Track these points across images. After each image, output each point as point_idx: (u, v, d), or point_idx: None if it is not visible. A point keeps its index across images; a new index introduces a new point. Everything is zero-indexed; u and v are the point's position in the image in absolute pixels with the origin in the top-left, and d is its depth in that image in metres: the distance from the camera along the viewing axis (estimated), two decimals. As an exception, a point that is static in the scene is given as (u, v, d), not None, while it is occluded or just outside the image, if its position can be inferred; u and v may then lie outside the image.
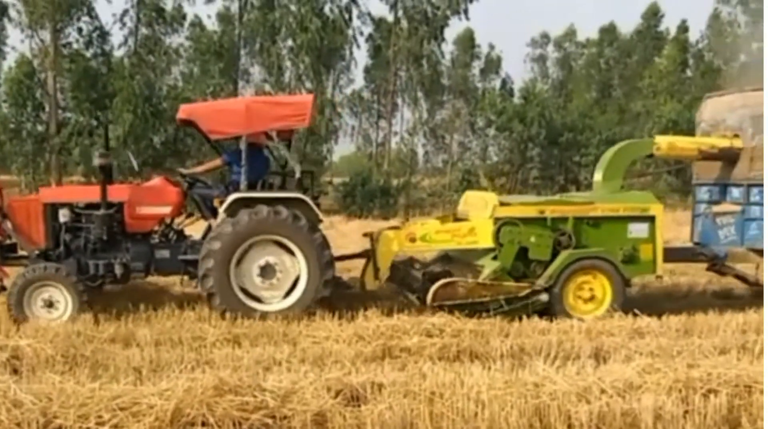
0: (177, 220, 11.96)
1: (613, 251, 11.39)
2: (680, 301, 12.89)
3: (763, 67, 13.32)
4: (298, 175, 11.58)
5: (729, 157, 12.62)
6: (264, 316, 10.66)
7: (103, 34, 41.15)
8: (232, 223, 10.89)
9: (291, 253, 11.07)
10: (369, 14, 44.89)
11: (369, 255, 11.82)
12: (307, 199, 11.16)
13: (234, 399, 6.56)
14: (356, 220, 30.66)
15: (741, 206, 12.39)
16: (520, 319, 10.67)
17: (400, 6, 44.91)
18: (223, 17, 45.49)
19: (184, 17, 44.25)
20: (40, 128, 40.97)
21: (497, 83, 55.09)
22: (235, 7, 44.02)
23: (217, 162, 12.08)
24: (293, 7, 40.31)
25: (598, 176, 12.54)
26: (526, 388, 7.00)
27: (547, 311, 11.05)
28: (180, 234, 11.90)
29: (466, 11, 44.92)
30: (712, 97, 13.89)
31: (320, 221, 11.38)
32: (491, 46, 57.34)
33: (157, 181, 12.17)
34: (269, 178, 12.07)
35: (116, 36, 42.42)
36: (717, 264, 12.71)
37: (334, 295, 11.32)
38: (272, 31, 41.07)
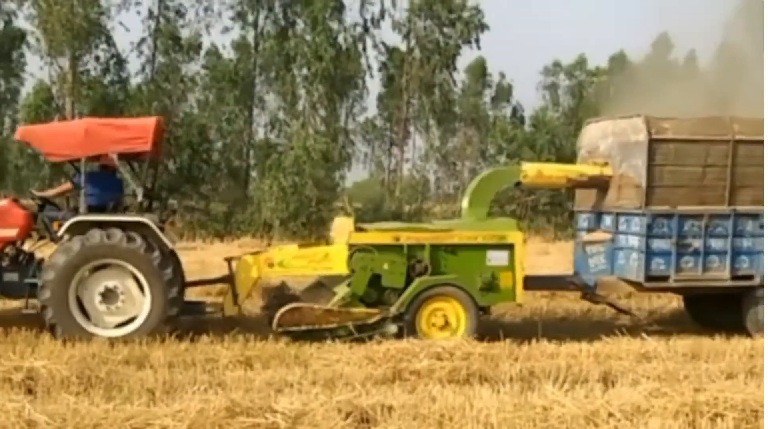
0: (33, 244, 11.79)
1: (472, 279, 11.31)
2: (687, 325, 12.90)
3: (763, 69, 13.13)
4: (140, 198, 11.33)
5: (600, 185, 12.48)
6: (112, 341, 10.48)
7: (120, 62, 41.56)
8: (65, 250, 10.77)
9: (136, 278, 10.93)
10: (383, 43, 45.25)
11: (229, 280, 11.73)
12: (150, 222, 10.99)
13: (246, 420, 6.65)
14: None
15: (611, 235, 12.23)
16: (529, 342, 10.72)
17: (413, 36, 45.25)
18: (239, 46, 45.89)
19: (200, 46, 44.66)
20: (57, 154, 41.27)
21: (508, 111, 55.28)
22: (250, 36, 44.42)
23: (67, 185, 11.91)
24: (308, 37, 40.65)
25: (464, 203, 12.43)
26: (535, 412, 7.06)
27: (400, 337, 10.87)
28: (31, 257, 11.72)
29: (477, 40, 45.24)
30: (591, 122, 13.79)
31: (166, 245, 11.07)
32: (502, 75, 57.48)
33: (4, 202, 11.76)
34: (124, 200, 11.88)
35: (133, 63, 43.01)
36: (588, 293, 12.53)
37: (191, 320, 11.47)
38: (287, 59, 41.38)
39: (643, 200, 11.52)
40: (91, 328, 10.82)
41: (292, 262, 11.66)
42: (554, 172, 12.90)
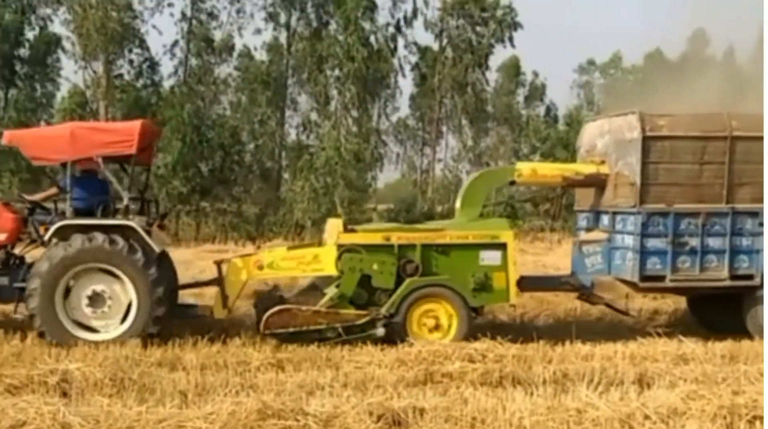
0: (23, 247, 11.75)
1: (464, 279, 11.19)
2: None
3: (763, 68, 12.85)
4: (125, 202, 11.30)
5: (597, 184, 12.31)
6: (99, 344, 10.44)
7: (153, 65, 41.90)
8: (48, 258, 10.77)
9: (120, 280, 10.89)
10: (415, 43, 45.20)
11: (218, 283, 11.65)
12: (136, 225, 10.97)
13: (277, 423, 6.66)
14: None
15: (608, 234, 12.04)
16: (563, 344, 10.62)
17: (446, 35, 45.16)
18: (271, 47, 46.07)
19: (232, 47, 44.88)
20: (90, 157, 41.67)
21: (542, 110, 54.98)
22: (283, 38, 44.58)
23: (54, 190, 11.85)
24: (340, 37, 40.71)
25: (458, 203, 12.31)
26: (569, 414, 7.01)
27: (390, 338, 10.84)
28: (21, 261, 11.69)
29: (511, 39, 45.03)
30: (589, 121, 13.58)
31: (154, 249, 11.01)
32: (535, 74, 57.18)
33: None
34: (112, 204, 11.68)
35: (166, 66, 43.32)
36: (585, 293, 12.34)
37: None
38: (319, 60, 41.47)
39: (638, 198, 11.36)
40: (80, 333, 10.81)
41: (281, 264, 11.59)
42: (549, 170, 12.80)
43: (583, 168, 12.49)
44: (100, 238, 10.69)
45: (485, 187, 12.52)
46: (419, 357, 9.70)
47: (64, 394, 8.13)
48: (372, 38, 41.39)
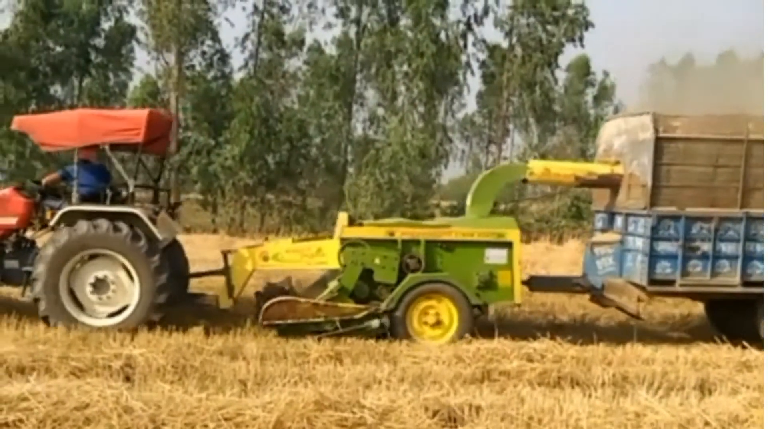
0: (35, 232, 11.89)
1: (468, 276, 11.05)
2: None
3: (764, 68, 12.36)
4: (131, 189, 11.32)
5: (611, 184, 12.05)
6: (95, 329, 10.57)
7: (224, 57, 42.40)
8: (53, 242, 10.89)
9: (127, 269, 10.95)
10: (483, 41, 44.93)
11: (225, 273, 11.69)
12: (140, 213, 11.01)
13: (333, 414, 6.70)
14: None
15: (620, 236, 11.76)
16: (624, 346, 10.50)
17: (516, 33, 44.82)
18: (341, 42, 46.26)
19: (303, 42, 45.16)
20: (161, 147, 42.37)
21: (610, 110, 54.25)
22: (353, 33, 44.70)
23: (56, 175, 11.96)
24: (410, 33, 40.68)
25: (468, 200, 12.12)
26: (627, 418, 6.94)
27: (391, 335, 10.77)
28: (32, 245, 11.81)
29: (581, 38, 44.48)
30: (608, 120, 13.27)
31: (158, 238, 11.06)
32: (605, 74, 56.45)
33: (6, 191, 11.92)
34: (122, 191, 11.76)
35: (237, 59, 43.91)
36: (595, 295, 12.11)
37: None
38: (388, 56, 41.51)
39: (648, 200, 11.14)
40: (83, 318, 10.97)
41: (285, 256, 11.63)
42: (562, 169, 12.56)
43: (597, 168, 12.33)
44: (104, 224, 10.84)
45: (496, 185, 12.32)
46: (477, 354, 9.69)
47: (127, 379, 8.30)
48: (442, 35, 41.28)
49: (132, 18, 42.90)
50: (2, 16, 39.99)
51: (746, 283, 11.18)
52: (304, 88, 47.00)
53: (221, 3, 41.43)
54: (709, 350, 10.57)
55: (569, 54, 48.97)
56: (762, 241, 11.10)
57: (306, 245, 11.80)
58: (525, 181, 12.57)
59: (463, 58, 43.58)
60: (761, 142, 10.99)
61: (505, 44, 45.57)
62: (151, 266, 10.91)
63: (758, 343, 10.87)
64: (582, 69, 54.77)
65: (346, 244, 11.20)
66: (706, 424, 6.87)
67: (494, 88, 47.64)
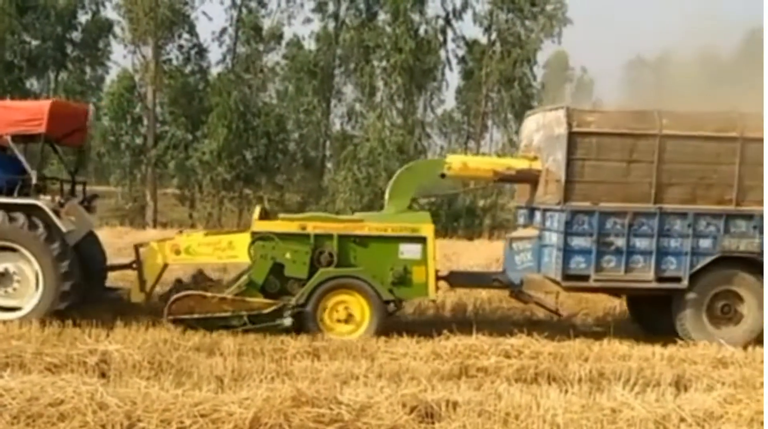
0: None
1: (383, 272, 11.02)
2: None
3: (763, 65, 12.34)
4: (34, 180, 11.15)
5: (529, 179, 11.96)
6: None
7: (202, 51, 42.23)
8: None
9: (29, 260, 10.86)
10: (463, 37, 44.98)
11: (136, 267, 11.59)
12: (43, 204, 10.88)
13: (310, 410, 6.70)
14: (439, 240, 30.52)
15: (539, 232, 11.71)
16: (601, 343, 10.55)
17: (494, 29, 44.88)
18: (319, 37, 46.19)
19: (281, 36, 45.04)
20: (138, 141, 42.21)
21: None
22: (331, 28, 44.63)
23: None
24: (388, 28, 40.67)
25: (387, 195, 12.06)
26: (603, 414, 6.97)
27: (302, 329, 10.71)
28: None
29: (559, 35, 44.62)
30: (529, 115, 13.20)
31: (66, 230, 10.92)
32: (584, 69, 56.80)
33: None
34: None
35: (215, 53, 43.63)
36: (514, 291, 12.03)
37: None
38: (366, 51, 41.48)
39: (562, 195, 11.06)
40: None
41: (197, 250, 11.51)
42: (480, 164, 12.46)
43: (515, 163, 12.21)
44: (21, 219, 10.75)
45: (414, 180, 12.10)
46: (455, 350, 9.71)
47: (103, 375, 8.26)
48: (421, 30, 41.29)
49: (109, 12, 42.68)
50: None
51: (660, 279, 11.09)
52: (282, 82, 46.91)
53: (198, -4, 41.30)
54: (685, 347, 10.61)
55: (548, 50, 49.14)
56: (675, 237, 11.06)
57: (217, 239, 11.69)
58: (443, 175, 12.29)
59: (442, 53, 43.68)
60: (674, 137, 10.98)
61: (484, 40, 45.65)
62: (53, 253, 10.77)
63: (677, 338, 11.01)
64: (560, 65, 54.99)
65: (257, 237, 11.07)
66: (682, 419, 6.92)
67: (473, 83, 47.69)
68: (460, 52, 45.79)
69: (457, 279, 12.30)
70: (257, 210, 11.65)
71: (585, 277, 11.13)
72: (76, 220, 11.31)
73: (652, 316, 12.08)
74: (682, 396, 7.74)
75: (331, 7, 43.86)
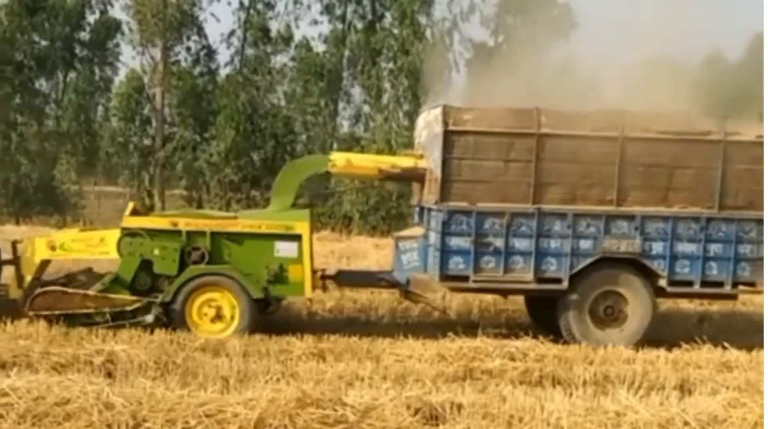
0: None
1: (257, 270, 10.95)
2: None
3: (763, 65, 12.23)
4: None
5: (415, 178, 11.89)
6: None
7: (211, 53, 42.23)
8: None
9: None
10: (470, 40, 44.90)
11: (14, 263, 11.48)
12: None
13: (315, 412, 6.73)
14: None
15: (425, 231, 11.60)
16: (605, 346, 10.54)
17: (502, 31, 44.81)
18: (327, 39, 46.19)
19: (290, 38, 45.01)
20: (146, 142, 42.25)
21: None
22: (338, 29, 44.59)
23: None
24: (395, 30, 40.64)
25: (272, 193, 11.99)
26: (607, 417, 6.99)
27: (172, 327, 10.65)
28: None
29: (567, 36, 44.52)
30: (422, 112, 13.04)
31: None
32: (590, 70, 56.58)
33: None
34: None
35: (223, 55, 43.64)
36: (402, 291, 11.93)
37: None
38: (374, 53, 41.47)
39: (438, 195, 10.96)
40: None
41: (71, 246, 11.41)
42: (364, 162, 12.43)
43: (400, 161, 12.14)
44: None
45: (297, 177, 12.05)
46: (460, 353, 9.72)
47: (109, 375, 8.33)
48: (428, 33, 41.26)
49: (117, 12, 42.71)
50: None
51: (540, 280, 11.00)
52: (290, 84, 46.90)
53: (207, -2, 41.30)
54: (690, 350, 10.61)
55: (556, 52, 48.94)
56: (555, 237, 10.96)
57: (90, 235, 11.62)
58: (328, 173, 12.36)
59: (449, 55, 43.64)
60: (552, 136, 10.90)
61: (491, 42, 45.60)
62: None
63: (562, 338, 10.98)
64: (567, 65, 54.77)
65: (126, 234, 11.00)
66: (686, 423, 6.92)
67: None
68: (467, 55, 45.76)
69: (345, 278, 12.22)
70: (129, 206, 11.58)
71: (464, 278, 11.02)
72: None
73: (547, 316, 11.85)
74: (687, 400, 7.73)
75: (338, 9, 43.85)
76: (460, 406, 7.11)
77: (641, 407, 7.14)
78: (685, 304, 13.95)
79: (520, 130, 10.94)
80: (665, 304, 13.86)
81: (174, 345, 9.69)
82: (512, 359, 9.53)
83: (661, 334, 11.88)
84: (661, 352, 10.41)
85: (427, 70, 38.42)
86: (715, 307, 14.04)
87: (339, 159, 12.01)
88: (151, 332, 10.34)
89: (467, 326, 11.26)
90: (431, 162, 11.34)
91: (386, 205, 33.36)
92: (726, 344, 10.63)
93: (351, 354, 9.83)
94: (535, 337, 10.44)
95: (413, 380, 8.44)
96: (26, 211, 34.82)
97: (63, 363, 8.56)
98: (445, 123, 10.85)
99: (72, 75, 43.17)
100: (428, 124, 11.75)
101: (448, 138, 10.88)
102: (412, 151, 12.42)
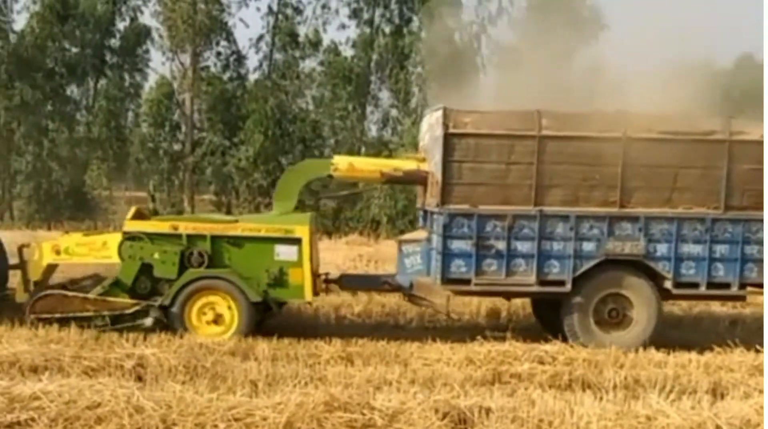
0: None
1: (258, 273, 10.92)
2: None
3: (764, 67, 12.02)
4: None
5: (417, 181, 11.81)
6: None
7: (240, 58, 42.46)
8: None
9: None
10: (497, 43, 44.79)
11: (21, 267, 11.57)
12: None
13: (343, 416, 6.73)
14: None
15: (428, 234, 11.50)
16: (636, 350, 10.45)
17: (530, 33, 44.62)
18: (355, 43, 46.27)
19: (319, 42, 45.16)
20: (176, 147, 42.54)
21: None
22: (366, 33, 44.65)
23: None
24: (423, 34, 40.63)
25: (274, 196, 11.99)
26: (638, 421, 6.93)
27: (172, 330, 10.63)
28: None
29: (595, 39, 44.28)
30: (425, 114, 12.92)
31: None
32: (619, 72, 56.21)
33: None
34: None
35: (252, 60, 43.80)
36: (406, 294, 11.85)
37: None
38: (402, 57, 41.48)
39: (440, 198, 10.89)
40: None
41: (75, 250, 11.50)
42: (367, 165, 12.30)
43: (403, 164, 12.06)
44: None
45: (299, 181, 12.04)
46: (488, 356, 9.69)
47: (139, 379, 8.37)
48: (456, 36, 41.19)
49: (147, 18, 43.05)
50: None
51: (543, 283, 10.89)
52: (318, 89, 47.02)
53: (236, 3, 41.54)
54: (721, 354, 10.50)
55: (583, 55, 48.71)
56: (558, 240, 10.86)
57: (93, 239, 11.69)
58: (330, 176, 12.27)
59: (477, 59, 43.55)
60: (554, 137, 10.81)
61: (519, 45, 45.43)
62: None
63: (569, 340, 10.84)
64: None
65: (127, 237, 11.05)
66: (718, 428, 6.86)
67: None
68: (495, 58, 45.63)
69: (348, 282, 12.24)
70: (131, 210, 11.65)
71: (466, 281, 10.94)
72: None
73: (552, 318, 11.70)
74: (719, 404, 7.66)
75: (365, 14, 43.92)
76: (488, 411, 7.08)
77: (672, 411, 7.07)
78: (716, 307, 13.82)
79: (521, 132, 10.90)
80: (697, 308, 13.78)
81: (203, 349, 9.73)
82: (541, 363, 9.48)
83: (692, 337, 11.80)
84: (693, 355, 10.31)
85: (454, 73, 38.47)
86: (748, 310, 13.88)
87: (341, 163, 11.98)
88: (181, 336, 10.41)
89: (495, 330, 11.20)
90: (433, 165, 11.33)
91: (414, 209, 33.30)
92: (759, 347, 10.49)
93: (379, 358, 9.83)
94: (564, 340, 10.38)
95: (441, 384, 8.42)
96: (58, 216, 35.20)
97: (94, 367, 8.63)
98: (446, 126, 10.82)
99: (102, 81, 43.49)
100: (430, 126, 11.74)
101: (449, 141, 10.86)
102: (414, 154, 12.39)
